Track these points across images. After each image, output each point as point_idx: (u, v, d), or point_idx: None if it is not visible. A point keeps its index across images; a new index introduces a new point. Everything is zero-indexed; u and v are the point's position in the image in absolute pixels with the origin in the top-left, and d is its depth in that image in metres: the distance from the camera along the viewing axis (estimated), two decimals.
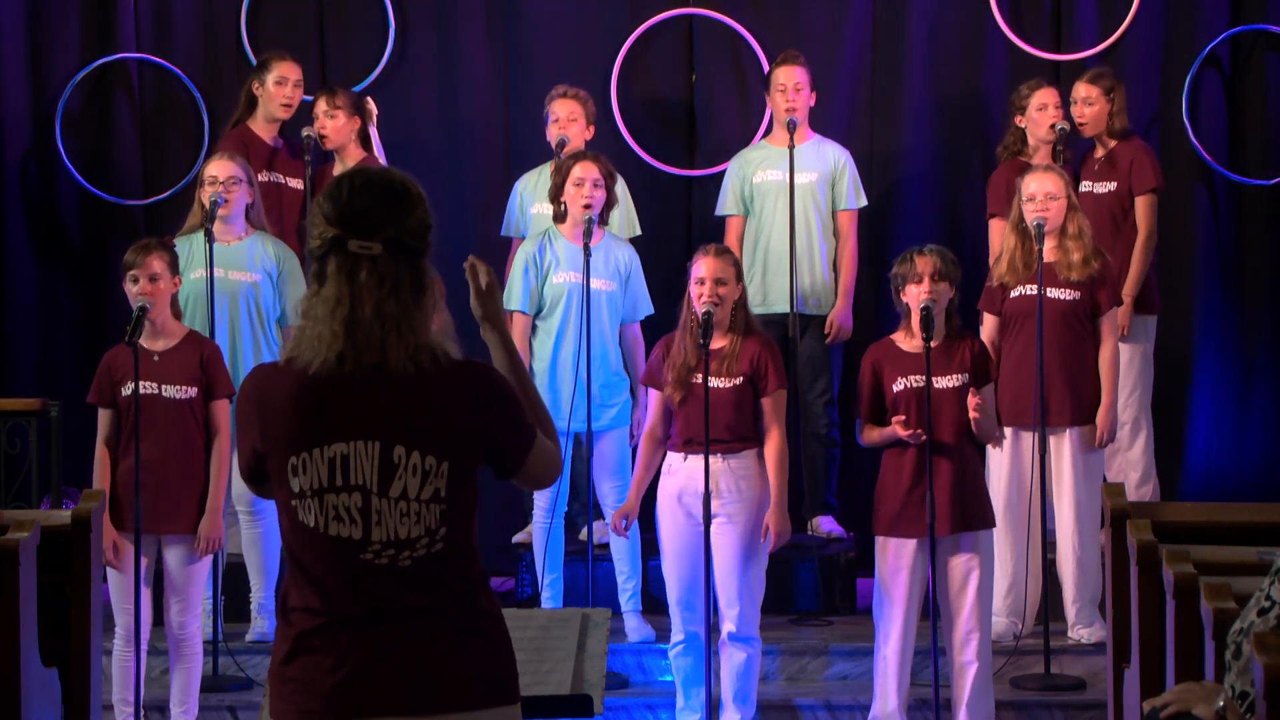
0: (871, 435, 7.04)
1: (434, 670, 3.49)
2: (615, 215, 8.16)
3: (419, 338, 3.53)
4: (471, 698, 3.52)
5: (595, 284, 7.81)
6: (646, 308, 8.06)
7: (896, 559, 6.94)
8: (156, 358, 6.97)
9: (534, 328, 7.98)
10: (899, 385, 6.96)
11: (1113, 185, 8.56)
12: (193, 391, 7.00)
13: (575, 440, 7.91)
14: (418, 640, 3.49)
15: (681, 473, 7.05)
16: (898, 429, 6.87)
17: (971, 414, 6.87)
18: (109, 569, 6.88)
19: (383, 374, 3.51)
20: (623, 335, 8.03)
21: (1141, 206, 8.50)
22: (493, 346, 3.83)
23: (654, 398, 7.18)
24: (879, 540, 7.00)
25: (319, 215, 3.56)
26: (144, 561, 6.94)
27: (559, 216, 7.91)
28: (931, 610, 6.96)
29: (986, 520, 6.99)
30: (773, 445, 7.04)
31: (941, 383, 6.92)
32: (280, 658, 3.55)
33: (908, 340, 7.02)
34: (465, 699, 3.51)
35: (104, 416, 7.00)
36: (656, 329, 7.77)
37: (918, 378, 6.92)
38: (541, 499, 7.91)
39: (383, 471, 3.50)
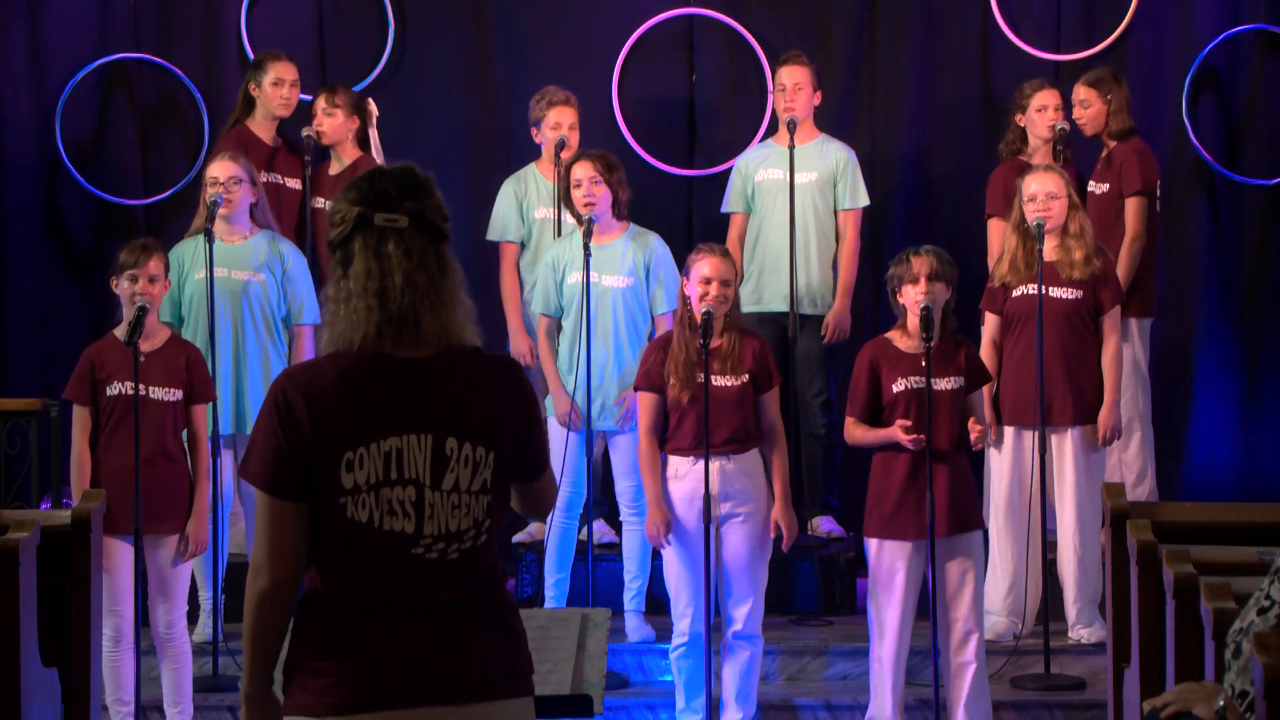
0: (860, 435, 7.01)
1: (465, 662, 3.52)
2: None
3: (449, 315, 3.57)
4: (498, 688, 3.56)
5: (608, 281, 7.81)
6: (674, 300, 7.98)
7: (891, 561, 6.94)
8: (143, 359, 6.96)
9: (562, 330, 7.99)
10: (899, 386, 6.95)
11: (1107, 186, 8.57)
12: (178, 394, 7.01)
13: (584, 439, 7.88)
14: (450, 632, 3.52)
15: (692, 476, 7.04)
16: (898, 433, 6.85)
17: (974, 445, 6.85)
18: None
19: (424, 363, 3.54)
20: (656, 328, 7.96)
21: (1129, 209, 8.49)
22: None
23: (648, 400, 7.13)
24: (872, 542, 6.99)
25: (341, 203, 3.60)
26: (131, 563, 6.94)
27: (579, 219, 7.90)
28: (932, 611, 6.96)
29: (977, 522, 6.99)
30: (779, 442, 7.07)
31: (939, 385, 6.92)
32: (310, 653, 3.53)
33: (904, 340, 7.01)
34: (493, 689, 3.55)
35: (81, 414, 6.98)
36: None
37: (916, 379, 6.91)
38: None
39: (435, 464, 3.53)
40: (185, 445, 7.08)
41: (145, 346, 6.99)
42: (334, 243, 3.59)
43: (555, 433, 7.71)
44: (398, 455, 3.51)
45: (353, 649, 3.50)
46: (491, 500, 3.57)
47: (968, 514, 6.93)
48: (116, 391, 6.95)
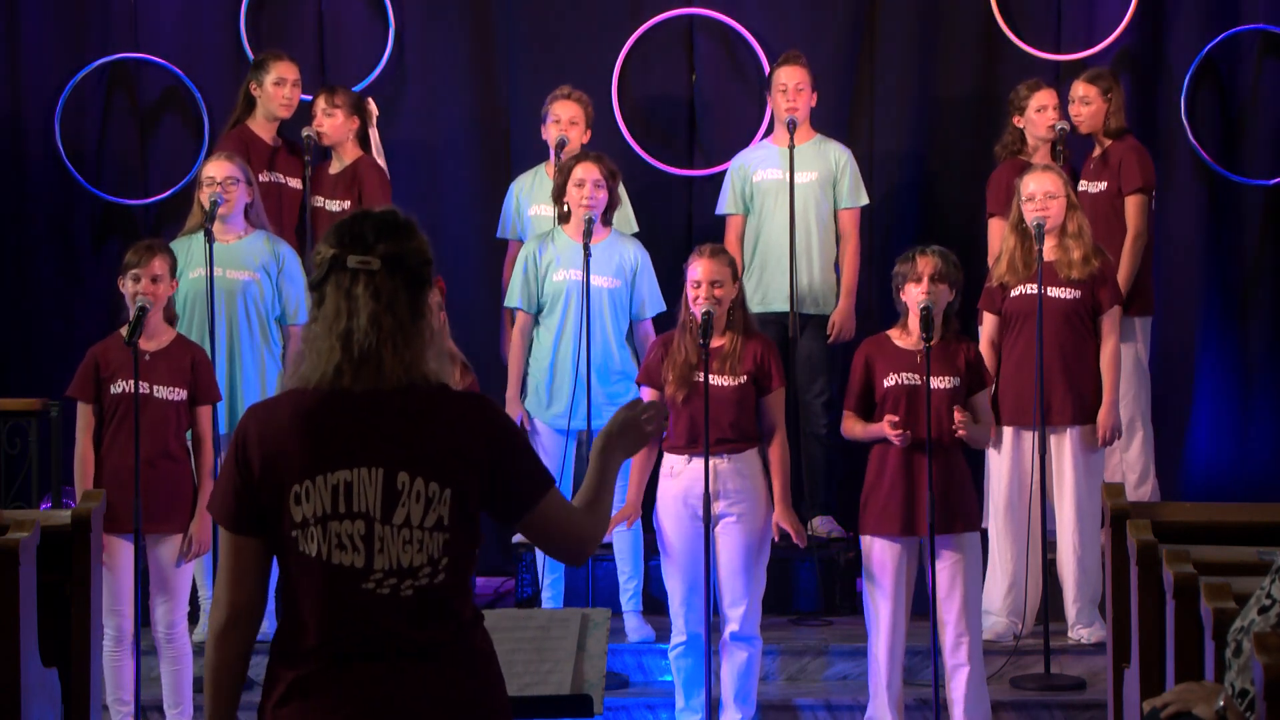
0: (854, 429, 7.03)
1: (431, 713, 3.47)
2: (619, 215, 8.16)
3: (414, 356, 3.53)
4: None
5: (596, 281, 7.82)
6: (657, 305, 8.04)
7: (881, 559, 6.94)
8: (147, 358, 6.98)
9: (537, 325, 8.01)
10: (890, 381, 6.96)
11: (1104, 185, 8.57)
12: (182, 394, 7.02)
13: (577, 439, 7.92)
14: (415, 680, 3.47)
15: (686, 474, 7.04)
16: (886, 428, 6.87)
17: (958, 432, 6.85)
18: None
19: (382, 397, 3.51)
20: (634, 333, 8.02)
21: (1130, 206, 8.50)
22: (592, 470, 3.74)
23: (649, 396, 7.16)
24: (864, 540, 7.00)
25: (321, 246, 3.59)
26: (131, 562, 6.94)
27: (563, 217, 7.92)
28: (931, 611, 6.96)
29: (970, 523, 6.97)
30: (776, 444, 7.06)
31: (933, 383, 6.91)
32: (275, 699, 3.51)
33: (903, 337, 7.02)
34: None
35: (85, 412, 7.00)
36: (659, 329, 7.77)
37: (909, 375, 6.92)
38: None
39: (386, 498, 3.48)
40: (189, 445, 7.09)
41: (150, 346, 7.00)
42: (311, 284, 3.59)
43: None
44: (346, 489, 3.48)
45: (313, 699, 3.47)
46: (450, 539, 3.50)
47: (959, 514, 6.91)
48: (120, 390, 6.96)
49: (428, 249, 3.61)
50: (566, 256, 7.86)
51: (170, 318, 7.17)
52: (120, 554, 6.93)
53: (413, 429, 3.51)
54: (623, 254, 7.97)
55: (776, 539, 7.05)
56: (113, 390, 6.96)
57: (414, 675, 3.47)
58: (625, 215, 8.54)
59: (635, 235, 8.51)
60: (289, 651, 3.51)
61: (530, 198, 8.57)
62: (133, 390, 6.92)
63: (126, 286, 6.98)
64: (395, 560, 3.48)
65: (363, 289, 3.52)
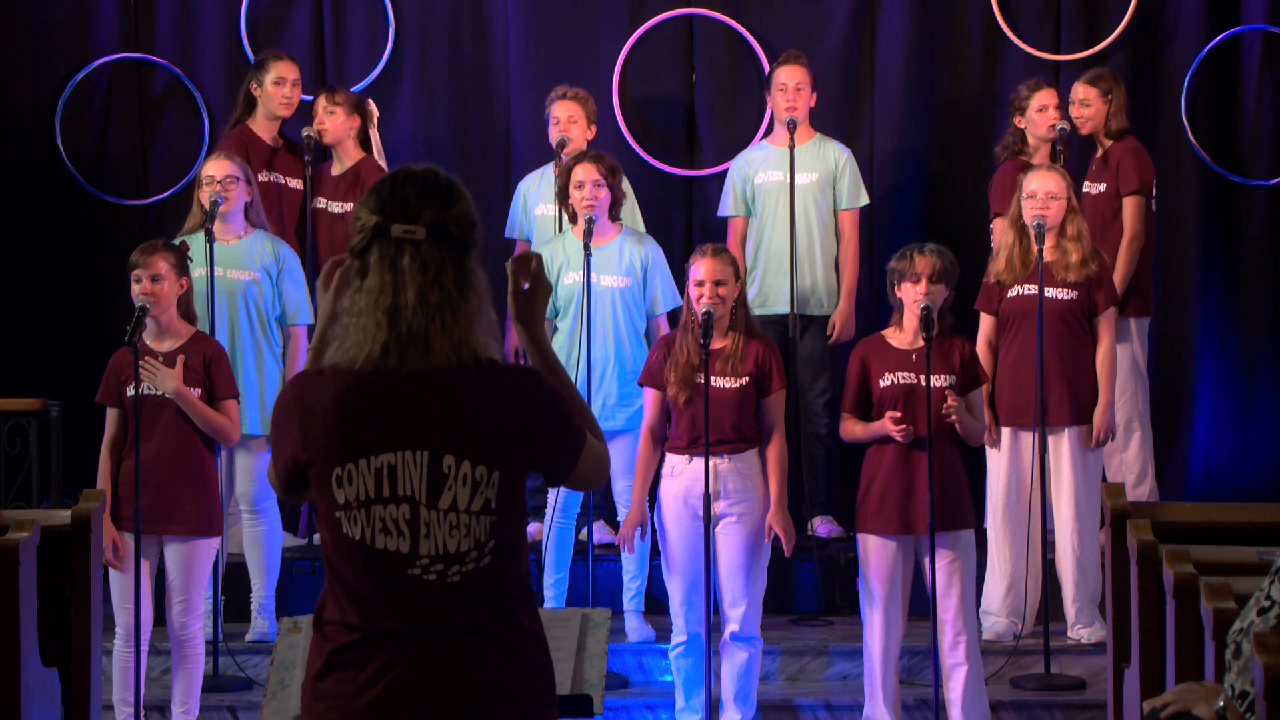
0: (854, 430, 7.02)
1: (470, 688, 3.41)
2: (625, 211, 8.15)
3: (463, 332, 3.43)
4: (508, 717, 3.44)
5: (606, 281, 7.82)
6: (671, 300, 8.00)
7: (878, 556, 6.94)
8: (161, 358, 6.97)
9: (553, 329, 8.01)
10: (886, 381, 6.95)
11: (1103, 186, 8.57)
12: (196, 393, 7.00)
13: None
14: (456, 658, 3.41)
15: (686, 474, 7.04)
16: (889, 424, 6.86)
17: (950, 418, 6.84)
18: (110, 569, 6.88)
19: (429, 378, 3.42)
20: (649, 329, 8.00)
21: (1127, 207, 8.50)
22: (527, 349, 3.69)
23: (651, 397, 7.16)
24: (860, 537, 7.00)
25: (362, 210, 3.49)
26: (145, 562, 6.95)
27: (573, 218, 7.91)
28: (931, 610, 6.96)
29: (965, 520, 6.97)
30: (775, 446, 7.05)
31: (930, 382, 6.91)
32: (314, 673, 3.45)
33: (898, 336, 7.02)
34: (502, 718, 3.43)
35: (111, 416, 7.01)
36: (676, 324, 7.76)
37: (905, 374, 6.92)
38: (554, 498, 7.88)
39: (432, 482, 3.40)
40: (209, 445, 7.07)
41: (164, 345, 7.01)
42: (353, 250, 3.49)
43: None
44: (390, 472, 3.40)
45: (352, 672, 3.41)
46: (497, 521, 3.43)
47: (954, 512, 6.91)
48: (133, 392, 6.95)
49: (473, 211, 3.52)
50: (575, 259, 7.84)
51: (190, 315, 7.13)
52: (134, 552, 6.93)
53: (459, 410, 3.41)
54: (632, 251, 7.93)
55: (768, 540, 7.05)
56: (129, 393, 6.96)
57: (455, 651, 3.40)
58: (633, 216, 8.52)
59: None
60: (329, 628, 3.45)
61: (537, 197, 8.55)
62: (147, 392, 6.93)
63: (133, 288, 6.98)
64: (441, 545, 3.40)
65: (409, 261, 3.42)
